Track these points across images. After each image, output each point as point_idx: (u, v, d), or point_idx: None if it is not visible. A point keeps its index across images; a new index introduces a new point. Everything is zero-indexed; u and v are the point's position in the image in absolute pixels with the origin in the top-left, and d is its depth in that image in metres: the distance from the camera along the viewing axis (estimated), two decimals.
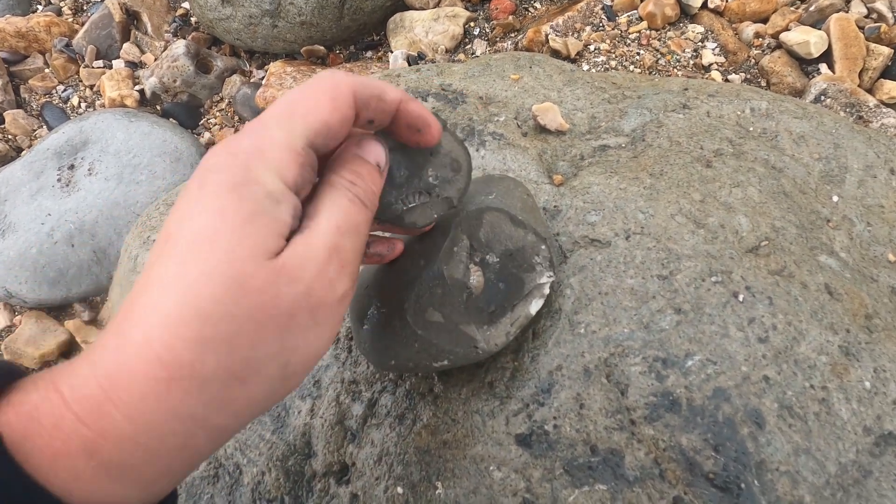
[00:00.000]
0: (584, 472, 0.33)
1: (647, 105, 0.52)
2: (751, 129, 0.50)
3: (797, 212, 0.43)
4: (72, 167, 0.78)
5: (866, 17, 0.70)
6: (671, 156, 0.47)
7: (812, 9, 0.70)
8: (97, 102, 0.93)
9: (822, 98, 0.62)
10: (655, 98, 0.53)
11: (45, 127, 0.93)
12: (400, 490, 0.35)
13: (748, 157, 0.47)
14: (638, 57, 0.69)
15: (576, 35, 0.71)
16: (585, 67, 0.67)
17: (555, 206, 0.44)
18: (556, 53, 0.69)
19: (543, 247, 0.35)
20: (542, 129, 0.51)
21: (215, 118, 0.88)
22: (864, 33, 0.67)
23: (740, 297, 0.37)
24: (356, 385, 0.40)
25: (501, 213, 0.35)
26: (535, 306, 0.35)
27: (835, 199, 0.45)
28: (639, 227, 0.41)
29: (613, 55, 0.69)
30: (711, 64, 0.67)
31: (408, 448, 0.36)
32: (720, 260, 0.39)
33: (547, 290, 0.35)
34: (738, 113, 0.51)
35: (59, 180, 0.78)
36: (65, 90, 0.94)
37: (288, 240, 0.22)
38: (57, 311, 0.76)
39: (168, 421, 0.19)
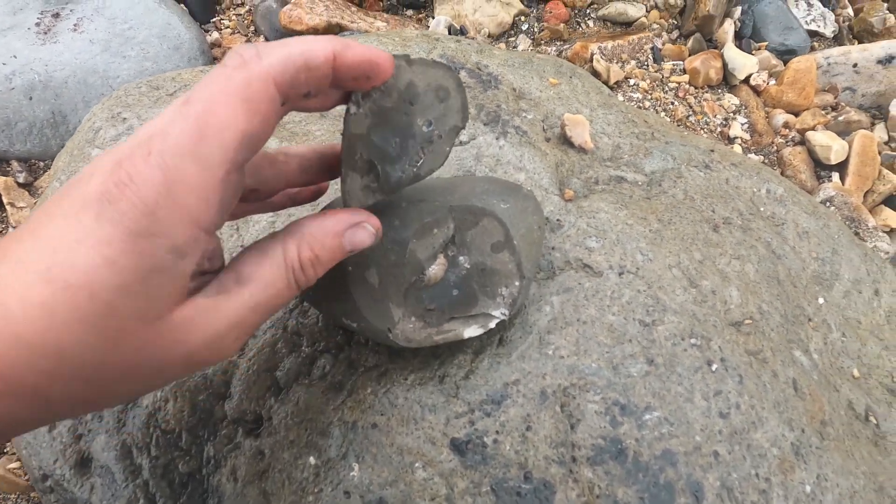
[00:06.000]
0: (510, 496, 0.31)
1: (672, 152, 0.51)
2: (762, 208, 0.49)
3: (784, 301, 0.43)
4: (56, 15, 0.70)
5: (886, 143, 0.72)
6: (683, 209, 0.46)
7: (840, 119, 0.71)
8: None
9: (828, 204, 0.63)
10: (682, 149, 0.52)
11: None
12: (312, 460, 0.32)
13: (753, 234, 0.46)
14: (671, 106, 0.68)
15: (620, 64, 0.69)
16: (620, 98, 0.65)
17: (558, 220, 0.42)
18: (596, 74, 0.67)
19: (517, 283, 0.32)
20: (565, 140, 0.49)
21: (230, 20, 0.82)
22: (880, 157, 0.68)
23: (713, 367, 0.36)
24: (298, 337, 0.37)
25: (501, 227, 0.32)
26: (470, 332, 0.31)
27: (820, 301, 0.45)
28: (634, 267, 0.40)
29: (650, 96, 0.67)
30: (737, 137, 0.67)
31: (333, 419, 0.33)
32: (703, 325, 0.38)
33: (492, 325, 0.32)
34: (755, 190, 0.50)
35: (37, 24, 0.70)
36: None
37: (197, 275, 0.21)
38: None
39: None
